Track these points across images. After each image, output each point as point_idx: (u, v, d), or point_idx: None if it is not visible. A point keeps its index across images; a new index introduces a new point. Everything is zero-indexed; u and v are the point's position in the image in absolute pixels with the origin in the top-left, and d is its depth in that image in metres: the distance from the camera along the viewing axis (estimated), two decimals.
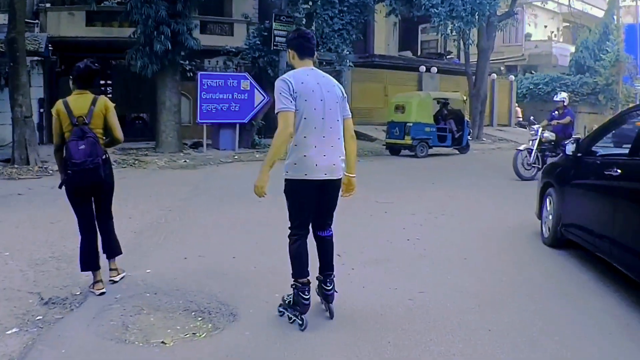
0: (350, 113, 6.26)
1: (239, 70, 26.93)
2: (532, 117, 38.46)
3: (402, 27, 43.09)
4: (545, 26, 56.65)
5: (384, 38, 40.79)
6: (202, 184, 16.04)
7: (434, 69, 37.11)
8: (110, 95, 35.65)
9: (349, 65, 26.84)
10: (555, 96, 19.05)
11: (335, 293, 6.27)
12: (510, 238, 10.05)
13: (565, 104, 18.28)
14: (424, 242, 9.58)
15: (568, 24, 58.29)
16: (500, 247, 9.44)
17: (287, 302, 6.22)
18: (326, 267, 6.25)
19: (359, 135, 29.75)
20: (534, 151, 17.38)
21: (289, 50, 6.29)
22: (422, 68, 36.70)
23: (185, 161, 21.31)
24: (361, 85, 33.16)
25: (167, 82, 23.32)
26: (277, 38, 23.71)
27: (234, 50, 26.27)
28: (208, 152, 23.52)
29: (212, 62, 28.90)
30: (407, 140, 24.20)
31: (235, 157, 22.70)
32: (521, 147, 18.00)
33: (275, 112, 5.85)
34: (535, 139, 17.50)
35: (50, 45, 25.72)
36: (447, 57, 45.14)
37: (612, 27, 46.48)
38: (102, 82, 28.43)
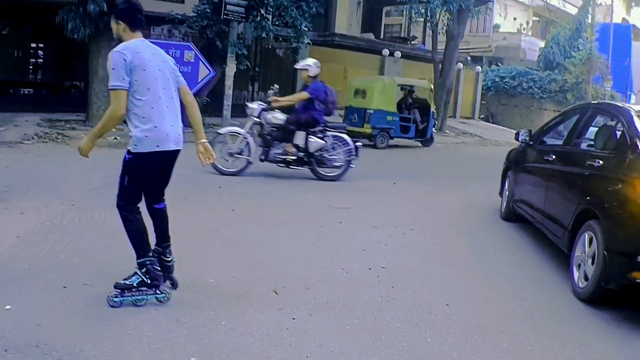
0: (184, 81, 6.27)
1: (187, 40, 24.21)
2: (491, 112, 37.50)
3: (366, 7, 40.94)
4: (515, 18, 55.61)
5: (346, 17, 38.58)
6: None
7: (398, 54, 34.86)
8: (41, 60, 34.48)
9: (307, 43, 24.50)
10: (299, 63, 15.07)
11: (174, 263, 6.28)
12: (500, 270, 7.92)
13: (311, 74, 14.04)
14: (391, 273, 7.37)
15: (538, 18, 57.16)
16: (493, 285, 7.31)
17: (129, 286, 5.84)
18: (164, 239, 6.24)
19: None
20: (241, 137, 13.57)
21: (119, 22, 6.05)
22: (386, 51, 34.41)
23: (115, 138, 18.81)
24: (320, 65, 30.42)
25: (101, 48, 20.57)
26: (228, 6, 21.18)
27: (179, 17, 23.61)
28: None
29: (158, 30, 26.23)
30: (367, 128, 22.18)
31: None
32: (224, 131, 14.20)
33: (109, 87, 5.64)
34: (254, 121, 13.80)
35: None
36: (412, 42, 43.07)
37: (585, 25, 45.13)
38: (33, 45, 26.06)
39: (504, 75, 45.57)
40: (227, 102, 21.93)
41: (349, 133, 22.57)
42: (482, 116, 42.04)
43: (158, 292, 5.88)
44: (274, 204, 10.78)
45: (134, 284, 5.81)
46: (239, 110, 25.72)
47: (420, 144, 24.13)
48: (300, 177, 13.81)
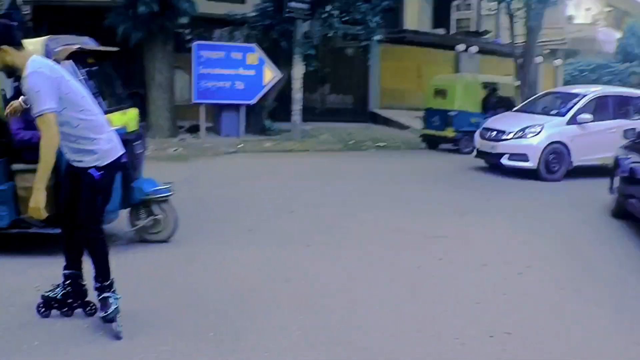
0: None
1: (250, 42, 22.59)
2: None
3: (435, 1, 38.93)
4: (588, 9, 52.75)
5: (417, 13, 36.58)
6: (184, 188, 10.85)
7: (474, 48, 32.67)
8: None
9: (378, 39, 22.66)
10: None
11: None
12: None
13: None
14: (520, 342, 5.48)
15: (611, 9, 54.49)
16: None
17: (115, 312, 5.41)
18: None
19: (389, 122, 26.34)
20: None
21: (4, 48, 5.15)
22: (461, 46, 32.26)
23: (175, 150, 17.35)
24: (391, 64, 28.94)
25: (156, 53, 19.38)
26: (290, 3, 19.52)
27: (239, 17, 22.00)
28: (207, 139, 19.47)
29: (220, 32, 24.67)
30: (449, 132, 20.27)
31: (240, 145, 18.66)
32: None
33: (36, 114, 5.04)
34: None
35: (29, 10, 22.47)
36: (484, 36, 40.84)
37: None
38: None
39: (583, 69, 43.40)
40: (297, 107, 20.35)
41: (430, 137, 21.03)
42: None
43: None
44: (355, 233, 9.10)
45: (116, 308, 5.47)
46: (311, 114, 24.20)
47: None
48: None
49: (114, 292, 5.52)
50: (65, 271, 5.71)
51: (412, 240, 8.73)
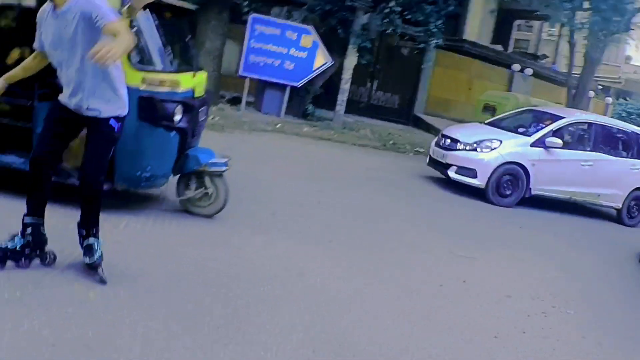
0: None
1: (307, 24, 22.16)
2: None
3: (498, 17, 38.31)
4: None
5: (478, 25, 35.95)
6: None
7: (529, 70, 32.11)
8: None
9: (437, 44, 22.21)
10: None
11: None
12: None
13: None
14: None
15: None
16: None
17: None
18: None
19: (431, 129, 25.86)
20: None
21: None
22: (516, 66, 31.70)
23: (213, 118, 17.02)
24: (444, 71, 28.15)
25: (210, 19, 18.93)
26: None
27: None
28: (246, 113, 18.97)
29: (278, 10, 24.13)
30: None
31: (278, 125, 18.21)
32: None
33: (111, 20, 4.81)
34: None
35: None
36: (541, 60, 40.21)
37: None
38: None
39: (632, 111, 42.28)
40: (342, 97, 19.95)
41: None
42: None
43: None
44: (379, 237, 8.78)
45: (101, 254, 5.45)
46: (354, 107, 23.81)
47: None
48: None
49: (98, 238, 5.46)
50: (28, 218, 5.48)
51: (438, 257, 8.41)
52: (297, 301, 5.91)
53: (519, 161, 13.42)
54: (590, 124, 14.88)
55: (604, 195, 14.66)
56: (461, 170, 13.52)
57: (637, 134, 15.40)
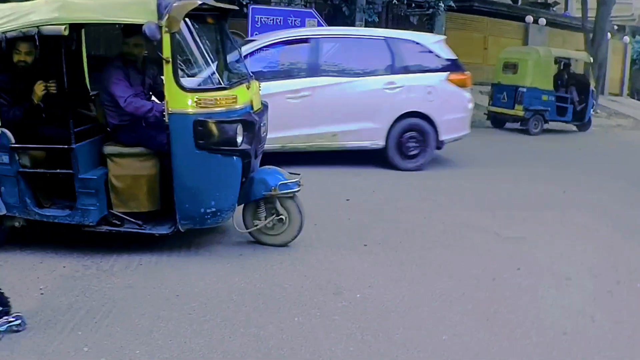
0: None
1: (309, 7, 21.47)
2: None
3: None
4: None
5: None
6: None
7: (542, 21, 31.29)
8: None
9: (448, 6, 21.55)
10: None
11: None
12: None
13: None
14: None
15: None
16: None
17: None
18: None
19: None
20: None
21: None
22: (529, 18, 30.89)
23: None
24: (457, 34, 27.18)
25: None
26: None
27: None
28: None
29: None
30: (518, 110, 18.85)
31: None
32: None
33: None
34: None
35: None
36: (553, 8, 39.32)
37: None
38: None
39: None
40: None
41: (496, 115, 19.78)
42: (627, 93, 37.90)
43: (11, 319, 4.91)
44: (418, 229, 8.13)
45: None
46: None
47: (575, 128, 20.79)
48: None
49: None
50: None
51: (484, 242, 7.74)
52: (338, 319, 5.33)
53: None
54: (302, 39, 12.26)
55: (348, 133, 11.63)
56: None
57: (387, 39, 12.23)
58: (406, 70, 11.93)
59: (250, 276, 6.28)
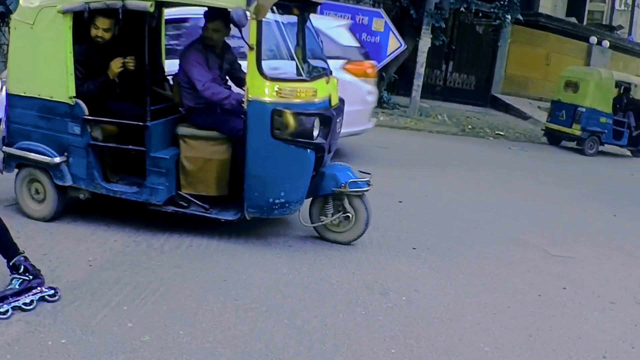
0: None
1: (377, 7, 21.43)
2: None
3: None
4: None
5: None
6: None
7: (606, 43, 30.92)
8: None
9: (513, 18, 21.42)
10: None
11: None
12: None
13: None
14: None
15: None
16: None
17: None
18: None
19: (509, 109, 25.11)
20: None
21: None
22: (593, 39, 30.53)
23: None
24: (520, 47, 27.37)
25: None
26: None
27: None
28: None
29: None
30: (576, 129, 18.58)
31: None
32: None
33: None
34: None
35: None
36: (617, 31, 38.87)
37: None
38: None
39: None
40: (418, 82, 19.37)
41: (553, 132, 19.64)
42: None
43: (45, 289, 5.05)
44: (466, 239, 8.19)
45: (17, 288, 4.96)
46: (429, 91, 23.20)
47: (629, 153, 20.44)
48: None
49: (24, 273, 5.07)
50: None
51: (532, 259, 7.76)
52: (381, 327, 5.43)
53: None
54: (183, 19, 10.56)
55: None
56: None
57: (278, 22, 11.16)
58: None
59: (299, 269, 6.39)
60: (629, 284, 7.35)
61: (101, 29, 6.68)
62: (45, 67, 6.61)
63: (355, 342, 5.01)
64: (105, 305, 5.09)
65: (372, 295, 5.99)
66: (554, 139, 19.80)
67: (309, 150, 6.44)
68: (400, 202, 9.41)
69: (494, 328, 5.63)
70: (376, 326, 5.34)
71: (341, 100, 7.58)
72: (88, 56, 6.76)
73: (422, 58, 19.32)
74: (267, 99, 6.20)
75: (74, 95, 6.47)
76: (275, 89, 6.24)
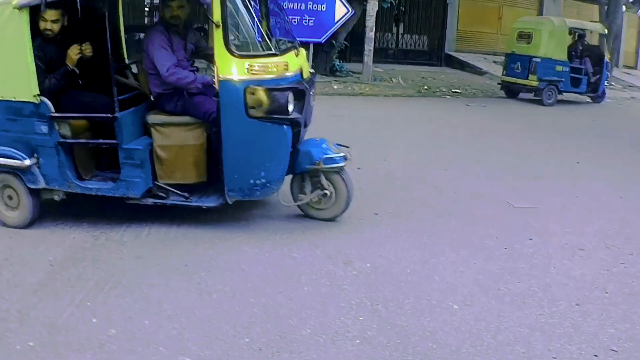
0: None
1: None
2: None
3: None
4: None
5: None
6: None
7: None
8: None
9: None
10: None
11: None
12: None
13: None
14: None
15: None
16: None
17: None
18: None
19: (464, 66, 25.08)
20: None
21: None
22: None
23: None
24: (471, 3, 27.37)
25: None
26: None
27: None
28: None
29: None
30: (532, 80, 18.60)
31: None
32: None
33: None
34: None
35: None
36: None
37: None
38: None
39: None
40: (369, 47, 19.17)
41: (510, 85, 19.61)
42: None
43: None
44: (429, 199, 8.07)
45: None
46: (382, 55, 23.07)
47: (589, 100, 20.52)
48: None
49: None
50: None
51: (496, 212, 7.67)
52: (348, 295, 5.25)
53: None
54: None
55: None
56: None
57: None
58: None
59: (260, 246, 6.23)
60: (597, 229, 7.27)
61: (49, 21, 6.35)
62: (6, 66, 6.29)
63: (322, 313, 4.88)
64: (70, 303, 4.94)
65: (336, 265, 5.85)
66: (511, 92, 19.80)
67: (285, 126, 6.23)
68: (358, 168, 9.20)
69: (462, 286, 5.49)
70: (342, 295, 5.21)
71: (312, 73, 7.36)
72: (43, 50, 6.44)
73: (371, 22, 19.12)
74: (238, 77, 5.96)
75: (38, 93, 6.17)
76: (246, 66, 5.99)
